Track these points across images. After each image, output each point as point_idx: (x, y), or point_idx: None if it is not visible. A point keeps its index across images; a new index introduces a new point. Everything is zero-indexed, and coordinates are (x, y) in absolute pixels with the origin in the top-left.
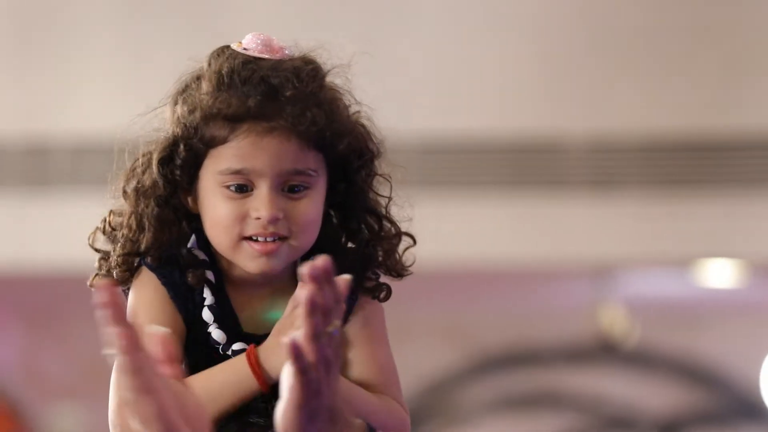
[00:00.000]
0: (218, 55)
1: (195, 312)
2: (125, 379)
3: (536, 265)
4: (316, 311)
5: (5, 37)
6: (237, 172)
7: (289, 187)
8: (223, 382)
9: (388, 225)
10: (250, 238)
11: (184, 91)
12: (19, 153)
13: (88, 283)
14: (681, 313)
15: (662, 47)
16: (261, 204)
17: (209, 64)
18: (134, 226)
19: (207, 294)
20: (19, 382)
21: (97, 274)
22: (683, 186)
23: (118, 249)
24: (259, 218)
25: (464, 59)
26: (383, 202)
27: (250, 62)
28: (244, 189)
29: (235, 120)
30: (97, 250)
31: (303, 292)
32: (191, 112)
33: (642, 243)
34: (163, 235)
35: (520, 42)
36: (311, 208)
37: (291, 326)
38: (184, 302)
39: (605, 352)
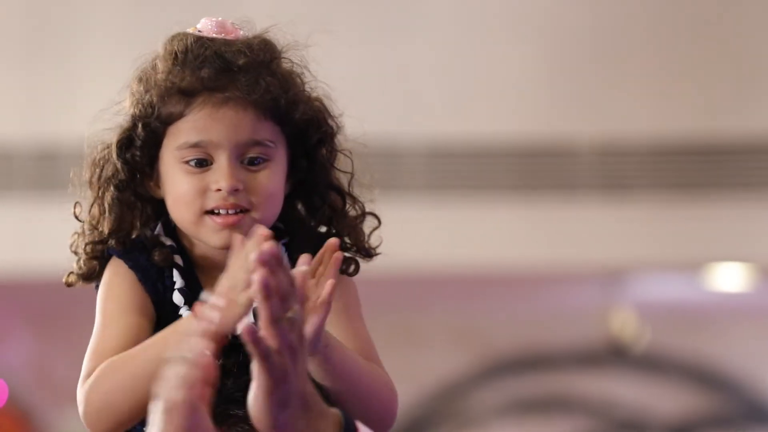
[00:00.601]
0: (172, 38)
1: (165, 294)
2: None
3: (547, 269)
4: (272, 295)
5: (15, 43)
6: (195, 145)
7: (248, 160)
8: (178, 342)
9: (351, 202)
10: (212, 212)
11: (136, 82)
12: (28, 157)
13: (63, 281)
14: (691, 316)
15: (672, 51)
16: (220, 175)
17: (164, 48)
18: (97, 214)
19: (177, 277)
20: (30, 387)
21: (71, 273)
22: (693, 189)
23: (86, 237)
24: (219, 190)
25: (473, 63)
26: (346, 181)
27: (202, 40)
28: (203, 163)
29: (189, 93)
30: (76, 253)
31: (255, 277)
32: (147, 91)
33: (652, 247)
34: (125, 219)
35: (529, 46)
36: (271, 180)
37: (236, 281)
38: (154, 285)
39: (616, 355)
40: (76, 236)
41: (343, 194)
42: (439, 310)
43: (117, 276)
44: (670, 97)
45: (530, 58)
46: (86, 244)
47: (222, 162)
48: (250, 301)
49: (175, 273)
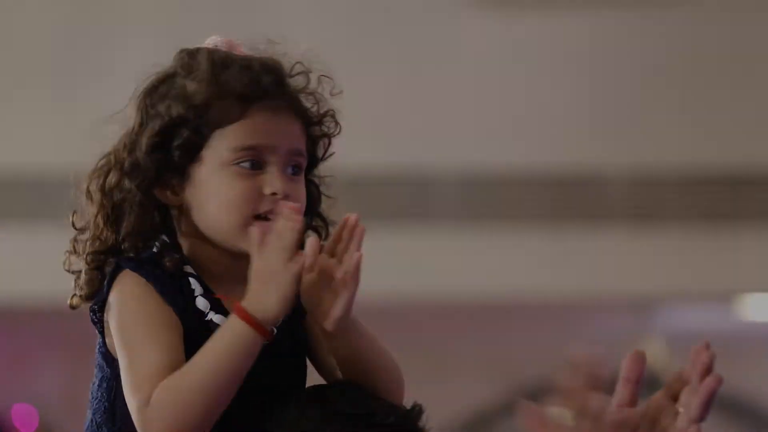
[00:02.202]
0: (193, 52)
1: (186, 304)
2: None
3: (577, 298)
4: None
5: (50, 71)
6: (251, 148)
7: (291, 169)
8: (228, 344)
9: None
10: (259, 217)
11: (157, 89)
12: (63, 186)
13: (68, 304)
14: (722, 346)
15: (702, 81)
16: (275, 179)
17: (186, 59)
18: (101, 224)
19: (195, 285)
20: (62, 415)
21: (74, 295)
22: (724, 220)
23: (87, 248)
24: (274, 194)
25: (505, 93)
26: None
27: (232, 53)
28: (256, 166)
29: (247, 99)
30: (72, 272)
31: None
32: (195, 94)
33: (683, 276)
34: (144, 223)
35: (561, 76)
36: (303, 190)
37: (271, 264)
38: (173, 294)
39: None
40: (67, 254)
41: (327, 223)
42: (469, 339)
43: (137, 292)
44: (701, 127)
45: (562, 88)
46: (87, 254)
47: (275, 167)
48: (298, 274)
49: (192, 281)
